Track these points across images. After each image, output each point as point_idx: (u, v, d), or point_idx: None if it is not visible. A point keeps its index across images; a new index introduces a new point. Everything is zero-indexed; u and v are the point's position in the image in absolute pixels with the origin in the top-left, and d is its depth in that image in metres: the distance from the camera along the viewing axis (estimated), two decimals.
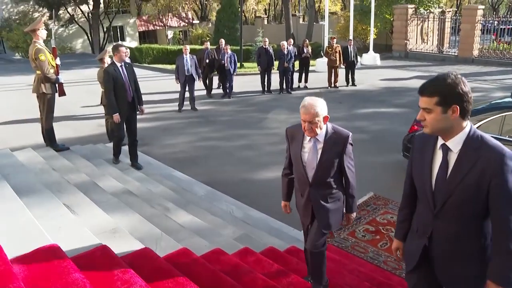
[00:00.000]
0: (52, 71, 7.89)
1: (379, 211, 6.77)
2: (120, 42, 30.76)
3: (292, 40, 17.31)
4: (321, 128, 3.64)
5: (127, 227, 4.80)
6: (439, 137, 2.57)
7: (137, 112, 7.86)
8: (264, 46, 16.33)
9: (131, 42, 41.22)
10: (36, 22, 8.10)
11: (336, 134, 3.70)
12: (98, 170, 7.27)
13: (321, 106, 3.58)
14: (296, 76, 17.25)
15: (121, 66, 7.50)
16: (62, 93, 8.26)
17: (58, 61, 8.14)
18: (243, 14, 34.01)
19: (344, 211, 3.98)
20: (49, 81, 7.86)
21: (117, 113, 7.52)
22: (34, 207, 4.64)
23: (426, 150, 2.66)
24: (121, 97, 7.50)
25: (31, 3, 35.50)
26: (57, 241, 3.83)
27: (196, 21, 46.96)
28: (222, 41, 16.31)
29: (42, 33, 7.81)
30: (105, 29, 38.52)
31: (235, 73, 15.69)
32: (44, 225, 4.18)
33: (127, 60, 12.84)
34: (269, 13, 57.67)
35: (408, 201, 2.93)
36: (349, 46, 17.25)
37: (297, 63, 17.14)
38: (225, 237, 5.29)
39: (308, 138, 3.73)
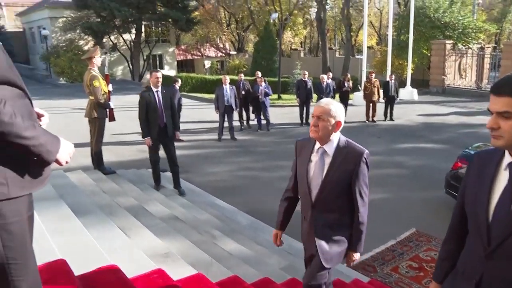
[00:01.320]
0: (104, 97, 8.17)
1: (422, 248, 6.73)
2: (158, 69, 31.57)
3: (331, 74, 17.54)
4: (328, 133, 3.16)
5: (178, 252, 4.93)
6: (506, 154, 2.01)
7: (174, 138, 8.07)
8: (303, 79, 16.55)
9: (169, 70, 42.14)
10: (92, 50, 8.49)
11: (349, 148, 3.20)
12: (144, 195, 7.48)
13: (337, 108, 3.17)
14: None
15: (156, 91, 7.73)
16: (112, 119, 8.53)
17: (110, 87, 8.47)
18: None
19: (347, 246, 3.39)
20: (101, 106, 8.17)
21: (148, 137, 7.71)
22: (91, 228, 4.82)
23: (485, 171, 2.07)
24: (153, 122, 7.69)
25: (77, 31, 36.86)
26: (115, 262, 3.98)
27: (233, 52, 47.73)
28: (259, 73, 16.57)
29: (97, 60, 8.17)
30: (145, 57, 39.53)
31: (268, 105, 15.85)
32: (102, 246, 4.35)
33: (177, 87, 13.29)
34: (305, 46, 58.30)
35: (455, 234, 2.31)
36: (390, 81, 17.32)
37: (337, 97, 17.26)
38: (271, 266, 5.36)
39: (316, 149, 3.26)
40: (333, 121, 3.15)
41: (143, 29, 38.68)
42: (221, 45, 49.49)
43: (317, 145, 3.28)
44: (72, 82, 34.33)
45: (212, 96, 15.09)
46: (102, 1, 32.39)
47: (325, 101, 3.23)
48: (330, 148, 3.22)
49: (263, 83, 15.39)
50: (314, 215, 3.30)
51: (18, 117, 1.90)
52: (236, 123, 14.81)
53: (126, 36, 38.04)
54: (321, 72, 32.47)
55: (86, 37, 37.59)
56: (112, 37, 38.20)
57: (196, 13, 41.30)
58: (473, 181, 2.12)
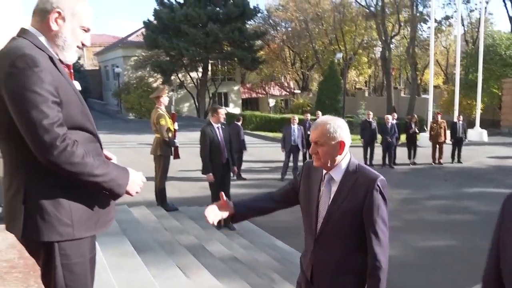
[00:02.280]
0: (170, 135, 8.35)
1: None
2: (222, 106, 32.27)
3: (395, 114, 17.26)
4: (331, 158, 2.63)
5: None
6: None
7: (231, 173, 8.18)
8: (368, 120, 16.39)
9: (234, 108, 42.88)
10: (160, 89, 8.78)
11: (360, 174, 2.64)
12: (205, 233, 7.51)
13: (336, 125, 2.61)
14: (399, 150, 16.97)
15: (217, 127, 7.82)
16: (177, 156, 8.69)
17: (176, 126, 8.61)
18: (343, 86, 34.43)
19: None
20: (167, 144, 8.34)
21: (211, 173, 7.74)
22: (150, 266, 4.88)
23: None
24: (215, 158, 7.75)
25: (147, 69, 38.48)
26: None
27: (297, 91, 48.09)
28: (319, 112, 16.60)
29: (165, 99, 8.41)
30: (211, 95, 40.48)
31: None
32: (160, 285, 4.39)
33: (239, 123, 13.48)
34: (369, 85, 57.93)
35: None
36: (457, 122, 16.84)
37: (402, 138, 16.94)
38: None
39: (323, 176, 2.75)
40: (333, 143, 2.61)
41: (209, 68, 39.77)
42: (286, 84, 50.03)
43: (324, 171, 2.77)
44: (141, 118, 35.60)
45: (276, 134, 15.16)
46: (172, 41, 33.71)
47: (321, 120, 2.69)
48: (338, 173, 2.69)
49: None
50: (316, 249, 2.73)
51: (89, 156, 2.03)
52: (300, 164, 14.72)
53: (193, 74, 39.24)
54: (385, 111, 32.07)
55: (155, 74, 39.15)
56: (180, 75, 39.48)
57: (262, 52, 42.11)
58: None
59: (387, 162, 16.18)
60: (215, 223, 2.77)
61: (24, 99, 1.90)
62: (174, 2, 36.50)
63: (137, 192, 2.30)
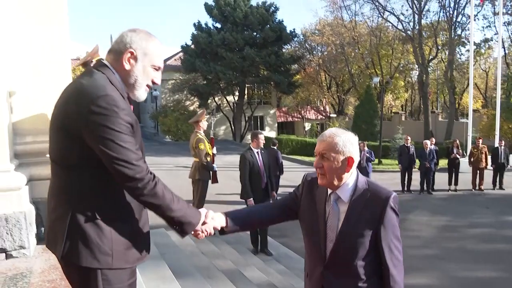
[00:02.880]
0: (208, 159, 8.43)
1: None
2: (258, 130, 32.43)
3: (434, 139, 16.99)
4: (337, 176, 2.40)
5: None
6: None
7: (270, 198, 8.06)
8: (406, 144, 16.17)
9: (270, 131, 43.01)
10: (199, 114, 8.91)
11: (371, 192, 2.42)
12: (242, 258, 7.51)
13: (346, 139, 2.38)
14: (438, 176, 16.65)
15: (257, 152, 7.85)
16: (215, 181, 8.72)
17: (214, 150, 8.69)
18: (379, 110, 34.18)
19: None
20: (206, 168, 8.37)
21: (251, 198, 7.72)
22: None
23: None
24: (255, 183, 7.74)
25: (184, 92, 39.16)
26: None
27: (333, 115, 47.93)
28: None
29: (204, 124, 8.54)
30: (246, 118, 40.75)
31: (371, 171, 15.58)
32: None
33: (275, 148, 13.53)
34: (406, 109, 57.30)
35: None
36: (499, 147, 16.47)
37: (441, 162, 16.63)
38: None
39: (328, 196, 2.51)
40: (341, 158, 2.37)
41: (246, 91, 40.14)
42: (322, 108, 49.95)
43: (329, 190, 2.52)
44: (177, 140, 36.09)
45: (312, 158, 15.01)
46: (209, 65, 34.25)
47: (330, 132, 2.46)
48: (345, 192, 2.44)
49: (365, 148, 15.23)
50: (326, 276, 2.49)
51: (167, 191, 2.20)
52: None
53: (230, 97, 39.66)
54: (422, 136, 31.65)
55: (192, 98, 39.79)
56: (216, 99, 39.97)
57: (298, 76, 42.29)
58: None
59: (425, 188, 15.88)
60: (207, 235, 2.52)
61: (111, 138, 2.02)
62: (211, 27, 37.16)
63: (210, 234, 2.45)
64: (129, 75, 2.26)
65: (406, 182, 16.07)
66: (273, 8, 37.05)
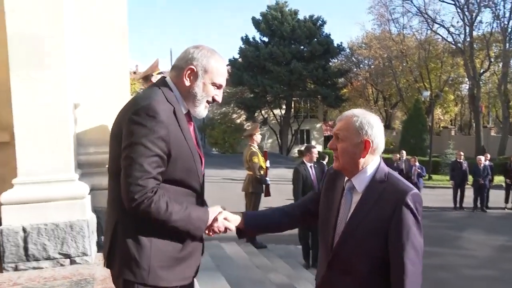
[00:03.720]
0: (262, 172, 8.47)
1: None
2: (311, 144, 32.45)
3: (488, 155, 16.55)
4: (352, 160, 2.15)
5: None
6: None
7: None
8: (458, 160, 15.84)
9: (316, 145, 42.83)
10: (253, 127, 9.00)
11: (389, 184, 2.11)
12: (294, 273, 7.50)
13: (366, 120, 2.14)
14: (492, 193, 16.17)
15: (310, 166, 7.86)
16: (268, 194, 8.70)
17: (268, 164, 8.68)
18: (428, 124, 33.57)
19: None
20: (259, 182, 8.42)
21: None
22: None
23: None
24: None
25: (231, 105, 39.58)
26: None
27: None
28: (403, 152, 16.35)
29: (258, 137, 8.58)
30: (293, 132, 40.79)
31: (422, 186, 15.33)
32: None
33: (324, 162, 13.50)
34: (455, 123, 56.01)
35: None
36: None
37: (497, 179, 16.17)
38: None
39: (347, 185, 2.24)
40: (355, 140, 2.12)
41: (292, 105, 40.24)
42: None
43: (346, 177, 2.26)
44: (224, 152, 36.46)
45: None
46: (257, 78, 34.60)
47: (350, 111, 2.22)
48: (361, 182, 2.17)
49: (416, 163, 15.00)
50: (327, 278, 2.23)
51: (171, 206, 2.10)
52: None
53: (276, 111, 39.83)
54: (474, 151, 30.82)
55: (239, 111, 40.17)
56: (263, 112, 40.21)
57: (345, 90, 42.10)
58: None
59: (478, 205, 15.44)
60: (218, 232, 2.41)
61: (131, 148, 2.04)
62: (259, 41, 37.53)
63: (224, 231, 2.39)
64: (189, 91, 2.27)
65: (458, 198, 15.70)
66: (320, 21, 37.20)
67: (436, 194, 18.33)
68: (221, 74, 2.32)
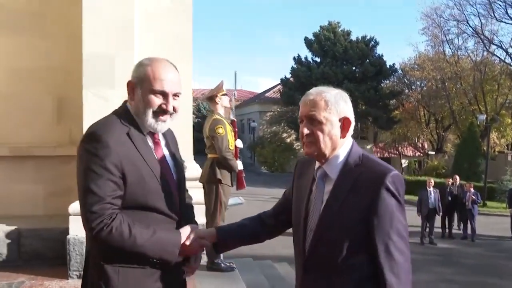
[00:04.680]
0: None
1: None
2: None
3: None
4: (332, 143, 1.93)
5: None
6: None
7: None
8: None
9: None
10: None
11: (365, 167, 1.90)
12: None
13: (338, 95, 1.96)
14: None
15: None
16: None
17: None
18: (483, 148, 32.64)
19: None
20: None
21: None
22: None
23: None
24: None
25: (282, 125, 39.84)
26: None
27: (431, 152, 46.35)
28: (457, 177, 16.01)
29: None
30: None
31: (476, 213, 14.99)
32: None
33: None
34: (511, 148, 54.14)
35: None
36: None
37: None
38: None
39: (315, 172, 2.03)
40: (335, 119, 1.92)
41: None
42: (419, 144, 48.50)
43: (317, 164, 2.04)
44: (273, 171, 36.54)
45: (410, 197, 14.79)
46: None
47: (314, 89, 1.99)
48: (333, 167, 1.94)
49: (471, 189, 14.70)
50: (306, 282, 2.00)
51: (134, 229, 1.97)
52: (437, 228, 14.29)
53: None
54: None
55: (289, 130, 40.29)
56: None
57: (396, 111, 41.53)
58: None
59: None
60: (194, 253, 2.26)
61: (81, 175, 1.99)
62: (311, 61, 37.68)
63: (195, 252, 2.24)
64: (134, 105, 2.16)
65: None
66: (373, 42, 37.08)
67: (491, 222, 17.84)
68: (158, 79, 2.10)
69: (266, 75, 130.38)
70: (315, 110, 1.89)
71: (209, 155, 5.97)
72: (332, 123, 1.90)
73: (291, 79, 37.82)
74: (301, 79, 35.67)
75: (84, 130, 4.51)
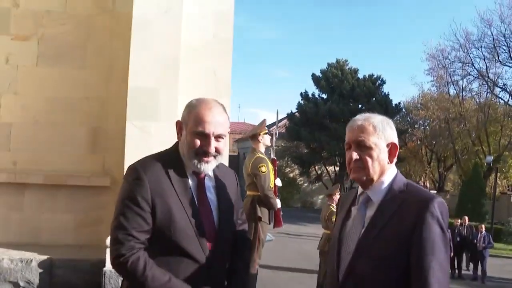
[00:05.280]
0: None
1: None
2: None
3: None
4: (380, 169, 1.94)
5: None
6: None
7: None
8: None
9: None
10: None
11: (408, 194, 1.88)
12: None
13: (384, 121, 1.98)
14: None
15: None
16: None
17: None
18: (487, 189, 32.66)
19: None
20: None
21: None
22: None
23: None
24: None
25: (285, 159, 39.88)
26: None
27: (433, 191, 46.26)
28: (466, 218, 15.97)
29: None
30: (345, 189, 40.47)
31: (487, 255, 14.92)
32: None
33: None
34: None
35: None
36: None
37: None
38: None
39: (357, 197, 2.04)
40: (383, 144, 1.94)
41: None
42: (422, 184, 48.50)
43: (360, 190, 2.04)
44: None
45: None
46: (314, 134, 34.79)
47: (359, 116, 2.01)
48: (377, 193, 1.93)
49: (483, 231, 14.68)
50: None
51: (149, 270, 1.99)
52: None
53: (330, 167, 39.77)
54: None
55: (293, 165, 40.32)
56: (317, 167, 40.21)
57: (400, 150, 41.62)
58: None
59: None
60: None
61: (116, 207, 2.09)
62: (318, 98, 37.97)
63: None
64: (181, 146, 2.20)
65: None
66: (379, 81, 37.45)
67: (500, 264, 17.71)
68: (200, 121, 2.11)
69: (268, 109, 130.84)
70: (364, 135, 1.90)
71: (249, 192, 6.15)
72: (380, 148, 1.91)
73: (297, 114, 38.03)
74: (308, 114, 35.93)
75: (125, 160, 4.66)
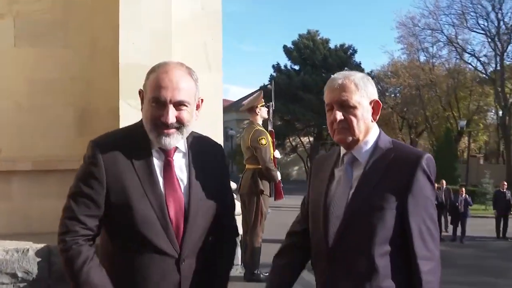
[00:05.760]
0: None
1: None
2: None
3: None
4: (365, 128, 1.86)
5: None
6: None
7: None
8: (501, 190, 15.84)
9: None
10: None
11: (396, 152, 1.83)
12: None
13: (365, 78, 1.88)
14: None
15: None
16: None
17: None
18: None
19: None
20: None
21: None
22: None
23: None
24: None
25: None
26: None
27: None
28: (443, 181, 16.24)
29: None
30: None
31: (469, 216, 15.35)
32: None
33: None
34: (485, 151, 55.29)
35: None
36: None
37: None
38: None
39: (341, 159, 1.94)
40: (366, 103, 1.85)
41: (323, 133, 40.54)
42: None
43: (343, 151, 1.94)
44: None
45: None
46: (288, 106, 34.75)
47: (338, 74, 1.90)
48: (363, 153, 1.86)
49: (463, 193, 15.08)
50: (331, 274, 1.85)
51: (83, 270, 1.77)
52: None
53: (304, 138, 39.91)
54: (505, 180, 30.42)
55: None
56: (291, 139, 40.33)
57: None
58: None
59: None
60: None
61: (70, 187, 1.86)
62: (290, 69, 37.85)
63: None
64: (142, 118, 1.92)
65: (501, 228, 15.60)
66: (351, 50, 37.52)
67: (477, 223, 18.14)
68: (155, 86, 1.82)
69: (239, 84, 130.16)
70: (347, 94, 1.81)
71: (249, 166, 6.04)
72: (364, 107, 1.84)
73: (270, 86, 37.84)
74: (281, 86, 35.77)
75: None
